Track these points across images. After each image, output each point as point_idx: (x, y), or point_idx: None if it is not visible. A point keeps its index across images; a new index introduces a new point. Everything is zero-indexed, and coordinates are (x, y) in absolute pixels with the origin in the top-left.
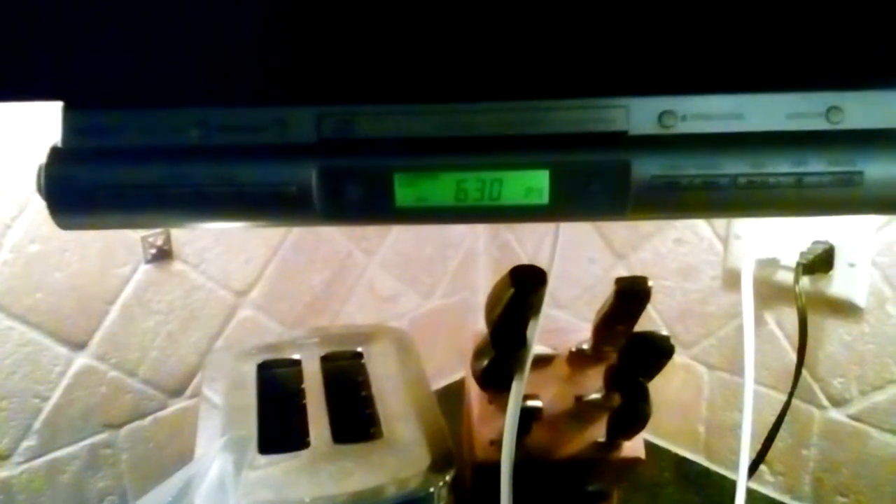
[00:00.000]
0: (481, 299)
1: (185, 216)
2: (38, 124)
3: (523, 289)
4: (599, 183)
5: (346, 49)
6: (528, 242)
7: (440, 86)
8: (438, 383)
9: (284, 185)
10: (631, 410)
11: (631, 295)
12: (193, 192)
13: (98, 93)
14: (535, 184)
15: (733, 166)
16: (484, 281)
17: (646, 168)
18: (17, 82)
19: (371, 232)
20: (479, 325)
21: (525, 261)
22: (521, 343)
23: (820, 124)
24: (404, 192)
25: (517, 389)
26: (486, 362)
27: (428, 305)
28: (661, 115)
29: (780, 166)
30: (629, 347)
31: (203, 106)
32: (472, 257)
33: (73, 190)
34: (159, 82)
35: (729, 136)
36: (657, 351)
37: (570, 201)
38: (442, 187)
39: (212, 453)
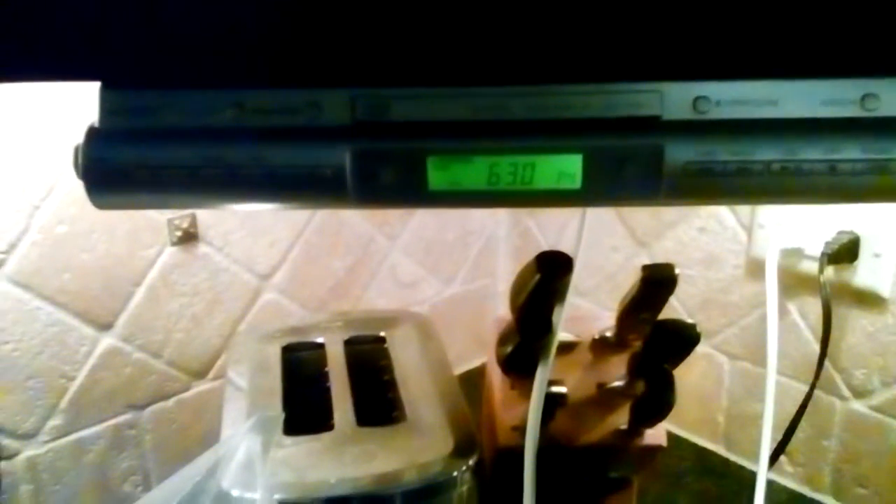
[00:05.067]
0: (502, 286)
1: (220, 197)
2: (65, 107)
3: (549, 275)
4: (632, 168)
5: (380, 32)
6: (550, 230)
7: (474, 69)
8: (458, 369)
9: (318, 167)
10: (655, 398)
11: (657, 282)
12: (228, 174)
13: (135, 74)
14: (567, 168)
15: (767, 153)
16: (505, 268)
17: (679, 153)
18: (56, 62)
19: (393, 217)
20: (499, 312)
21: (546, 248)
22: (547, 329)
23: (855, 111)
24: (437, 176)
25: (542, 375)
26: (510, 348)
27: (448, 291)
28: (695, 101)
29: (814, 153)
30: (654, 335)
31: (238, 88)
32: (493, 244)
33: (110, 170)
34: (195, 63)
35: (763, 122)
36: (683, 339)
37: (603, 186)
38: (475, 171)
39: (240, 434)
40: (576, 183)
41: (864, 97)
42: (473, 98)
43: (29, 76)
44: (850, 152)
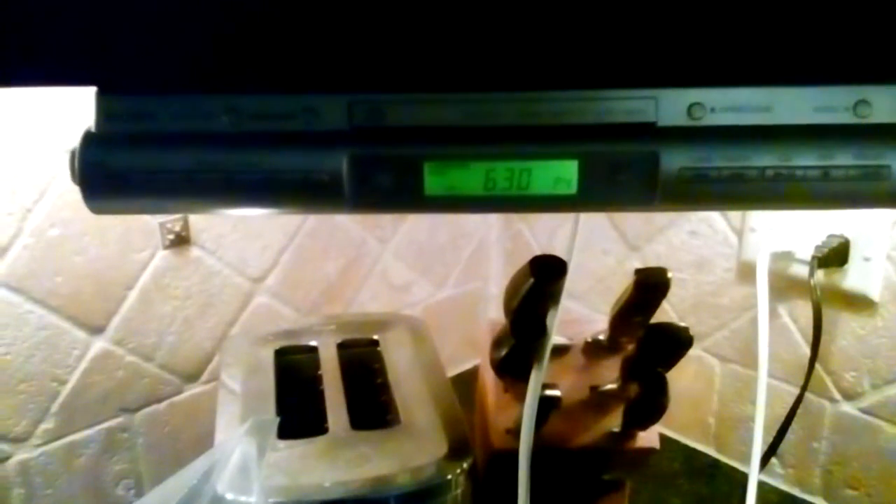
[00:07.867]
0: (493, 289)
1: (216, 202)
2: (57, 110)
3: (543, 278)
4: (628, 174)
5: (377, 37)
6: (541, 233)
7: (471, 75)
8: (450, 372)
9: (315, 172)
10: (649, 401)
11: (650, 286)
12: (224, 179)
13: (131, 79)
14: (563, 174)
15: (761, 159)
16: (496, 271)
17: (674, 159)
18: (53, 68)
19: (385, 220)
20: (490, 315)
21: (537, 251)
22: (541, 332)
23: (848, 118)
24: (434, 181)
25: (536, 378)
26: (504, 351)
27: (440, 295)
28: (690, 107)
29: (808, 159)
30: (647, 338)
31: (234, 93)
32: (485, 247)
33: (107, 174)
34: (191, 69)
35: (757, 128)
36: (676, 342)
37: (599, 192)
38: (471, 176)
39: (235, 438)
40: (572, 188)
41: (856, 104)
42: (470, 104)
43: (26, 81)
44: (843, 158)
